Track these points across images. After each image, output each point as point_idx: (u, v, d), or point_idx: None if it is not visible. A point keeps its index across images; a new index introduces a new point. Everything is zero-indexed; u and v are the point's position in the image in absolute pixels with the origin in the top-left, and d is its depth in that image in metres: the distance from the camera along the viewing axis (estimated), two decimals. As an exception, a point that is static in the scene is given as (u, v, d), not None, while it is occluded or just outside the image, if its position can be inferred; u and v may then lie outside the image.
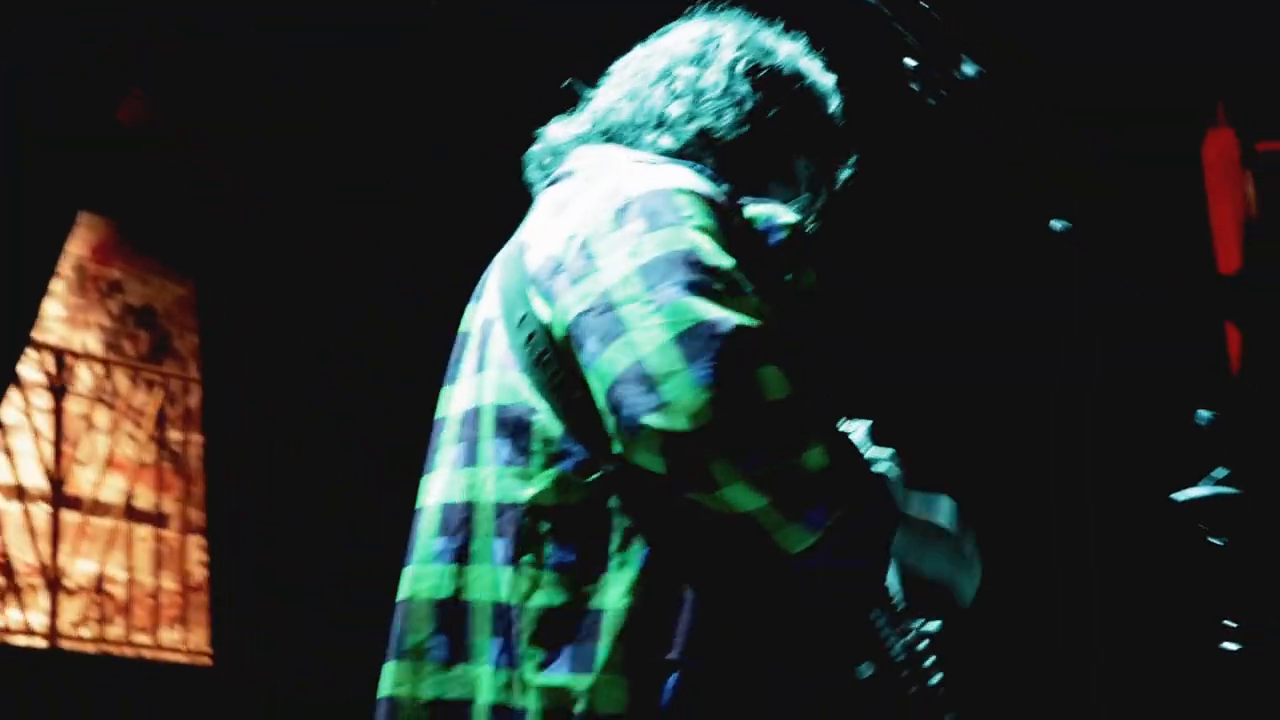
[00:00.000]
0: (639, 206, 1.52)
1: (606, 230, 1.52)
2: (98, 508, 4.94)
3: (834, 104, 1.97)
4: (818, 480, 1.38)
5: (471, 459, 1.65)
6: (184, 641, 5.07)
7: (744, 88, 1.82)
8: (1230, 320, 4.67)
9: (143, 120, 4.84)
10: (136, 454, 5.09)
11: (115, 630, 4.89)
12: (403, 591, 1.72)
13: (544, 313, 1.57)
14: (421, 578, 1.69)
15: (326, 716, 4.53)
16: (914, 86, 1.54)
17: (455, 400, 1.75)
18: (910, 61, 1.52)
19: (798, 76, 1.91)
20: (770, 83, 1.84)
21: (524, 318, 1.61)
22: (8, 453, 4.63)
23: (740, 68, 1.84)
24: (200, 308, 4.90)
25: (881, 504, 1.56)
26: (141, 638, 4.99)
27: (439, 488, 1.71)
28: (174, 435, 5.19)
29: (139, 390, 5.14)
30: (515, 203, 1.98)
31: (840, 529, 1.40)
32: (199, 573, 5.06)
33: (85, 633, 4.71)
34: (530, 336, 1.59)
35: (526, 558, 1.54)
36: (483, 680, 1.54)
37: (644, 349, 1.38)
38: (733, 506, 1.39)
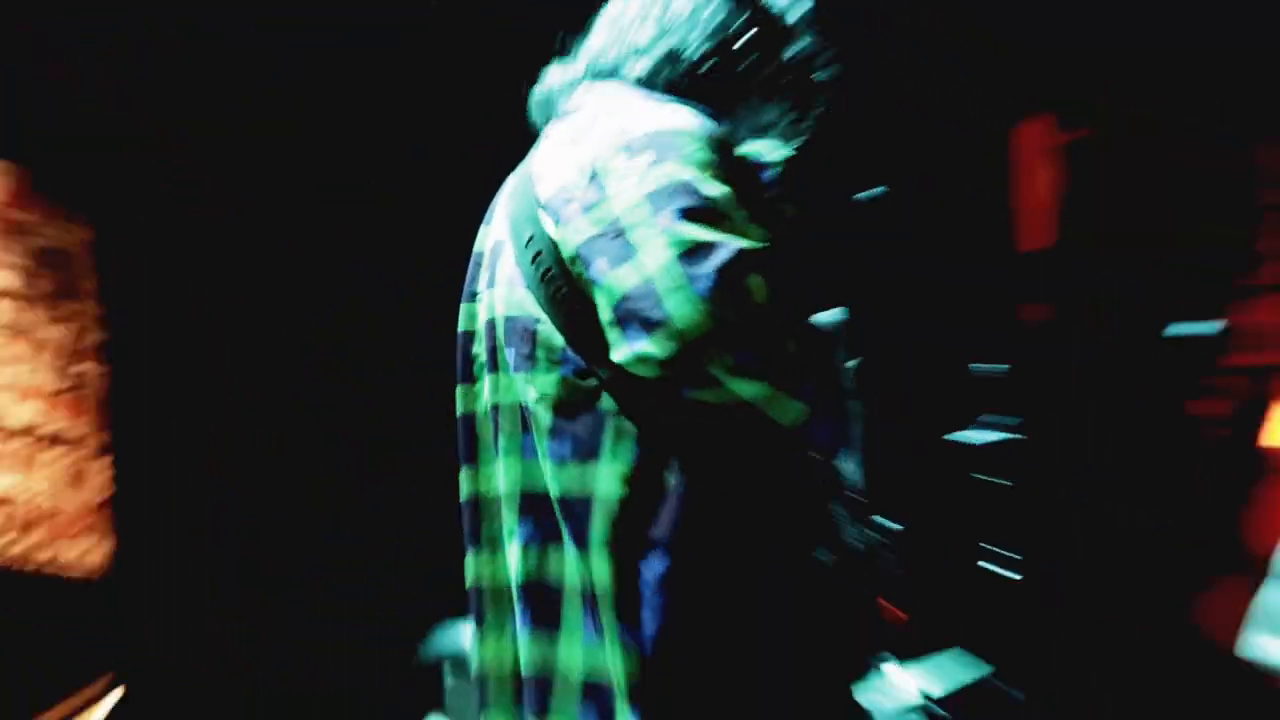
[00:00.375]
0: (646, 142, 1.63)
1: (617, 163, 1.63)
2: (12, 434, 5.38)
3: (806, 39, 2.02)
4: (798, 364, 1.57)
5: (494, 365, 1.84)
6: (84, 557, 5.48)
7: (713, 13, 1.90)
8: (1022, 291, 5.16)
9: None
10: (46, 382, 5.50)
11: (20, 545, 5.33)
12: (474, 489, 1.93)
13: (554, 234, 1.70)
14: (488, 476, 1.90)
15: (222, 631, 4.95)
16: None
17: (479, 314, 1.93)
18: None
19: (767, 7, 1.97)
20: (738, 8, 1.92)
21: (531, 238, 1.74)
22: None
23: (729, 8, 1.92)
24: (102, 251, 5.23)
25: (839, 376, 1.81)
26: (45, 553, 5.42)
27: (487, 393, 1.89)
28: (81, 366, 5.61)
29: (51, 326, 5.58)
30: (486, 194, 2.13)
31: (823, 402, 1.63)
32: (103, 492, 5.45)
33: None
34: (536, 255, 1.73)
35: (534, 450, 1.75)
36: (517, 562, 1.78)
37: (650, 269, 1.53)
38: (737, 396, 1.54)
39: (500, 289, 1.81)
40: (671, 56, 1.87)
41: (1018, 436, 4.21)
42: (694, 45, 1.87)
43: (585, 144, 1.72)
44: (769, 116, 1.94)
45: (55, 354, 5.67)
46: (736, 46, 1.89)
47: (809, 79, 1.98)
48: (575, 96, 1.92)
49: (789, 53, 1.96)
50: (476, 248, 1.96)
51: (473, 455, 1.89)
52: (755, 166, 1.76)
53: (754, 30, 1.91)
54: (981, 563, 4.38)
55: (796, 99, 1.96)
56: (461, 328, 1.95)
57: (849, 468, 1.82)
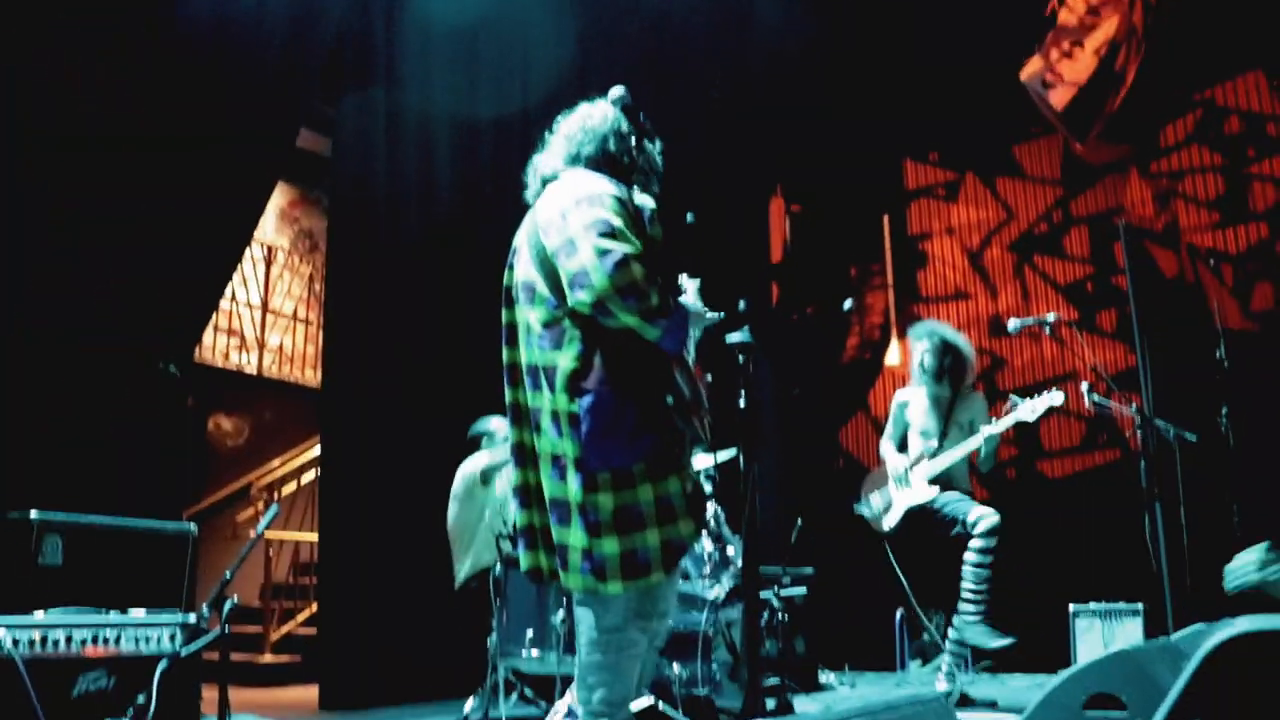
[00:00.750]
0: (584, 197, 3.15)
1: (570, 207, 3.13)
2: (283, 315, 11.25)
3: (657, 145, 3.55)
4: (658, 310, 3.04)
5: (515, 302, 3.38)
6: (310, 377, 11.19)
7: (614, 134, 3.42)
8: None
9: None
10: (299, 295, 11.35)
11: (285, 372, 11.12)
12: (512, 359, 3.41)
13: (544, 242, 3.20)
14: (514, 352, 3.41)
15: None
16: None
17: (516, 278, 3.39)
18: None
19: (638, 129, 3.50)
20: (627, 131, 3.45)
21: (537, 244, 3.25)
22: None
23: (613, 125, 3.44)
24: (332, 234, 10.84)
25: (685, 310, 3.19)
26: (295, 377, 11.19)
27: (515, 314, 3.39)
28: (316, 289, 11.44)
29: (302, 266, 11.44)
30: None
31: (670, 329, 3.10)
32: (321, 348, 11.06)
33: None
34: (540, 253, 3.23)
35: (531, 343, 3.26)
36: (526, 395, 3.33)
37: (583, 262, 3.02)
38: (623, 324, 3.04)
39: (520, 267, 3.37)
40: (598, 152, 3.40)
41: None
42: (607, 146, 3.42)
43: (558, 198, 3.22)
44: (641, 181, 3.46)
45: (303, 282, 11.54)
46: (625, 147, 3.43)
47: (653, 162, 3.52)
48: (551, 173, 3.44)
49: (646, 149, 3.50)
50: (512, 247, 3.46)
51: (512, 341, 3.41)
52: (639, 209, 3.30)
53: (633, 138, 3.45)
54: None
55: (650, 173, 3.50)
56: (505, 284, 3.46)
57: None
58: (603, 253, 2.98)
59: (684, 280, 3.54)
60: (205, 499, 9.60)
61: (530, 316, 3.26)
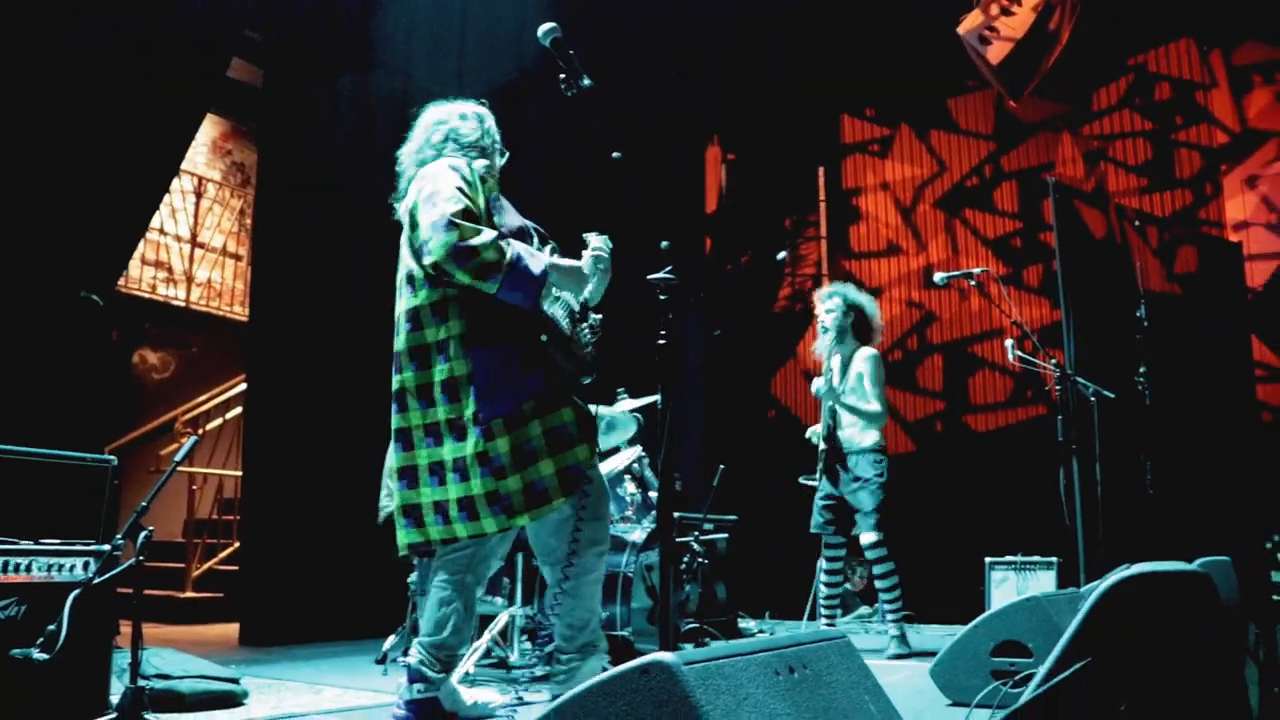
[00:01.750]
0: (429, 177, 3.56)
1: (426, 187, 3.51)
2: (214, 250, 11.09)
3: (495, 132, 4.00)
4: (490, 266, 3.34)
5: (412, 290, 3.70)
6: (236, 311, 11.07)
7: (467, 125, 3.88)
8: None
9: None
10: (229, 228, 11.19)
11: (213, 304, 10.99)
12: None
13: (414, 216, 3.54)
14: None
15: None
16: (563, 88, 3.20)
17: (400, 271, 3.79)
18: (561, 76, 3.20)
19: (484, 119, 3.98)
20: (476, 122, 3.92)
21: (407, 236, 3.64)
22: None
23: (465, 116, 3.91)
24: (262, 167, 10.72)
25: (528, 267, 3.44)
26: (224, 310, 11.06)
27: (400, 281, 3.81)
28: (245, 223, 11.28)
29: (233, 200, 11.26)
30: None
31: (506, 283, 3.37)
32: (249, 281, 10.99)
33: None
34: (411, 243, 3.60)
35: (426, 329, 3.63)
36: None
37: (423, 233, 3.42)
38: (460, 282, 3.40)
39: (402, 262, 3.77)
40: (453, 141, 3.83)
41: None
42: (463, 138, 3.84)
43: (421, 182, 3.61)
44: (484, 159, 3.85)
45: (234, 215, 11.37)
46: (474, 133, 3.88)
47: (494, 144, 3.96)
48: (423, 163, 3.80)
49: (487, 134, 3.95)
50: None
51: (399, 332, 3.81)
52: (483, 178, 3.71)
53: (477, 124, 3.93)
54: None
55: (487, 151, 3.89)
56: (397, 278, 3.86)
57: None
58: (433, 220, 3.37)
59: (591, 236, 3.79)
60: (130, 433, 9.47)
61: (415, 303, 3.62)
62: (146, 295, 10.29)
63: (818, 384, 6.28)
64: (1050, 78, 7.67)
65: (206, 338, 10.73)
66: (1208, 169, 8.35)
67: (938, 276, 6.01)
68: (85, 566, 3.38)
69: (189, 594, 8.28)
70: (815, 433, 6.40)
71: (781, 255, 10.13)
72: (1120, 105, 8.78)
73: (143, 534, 3.15)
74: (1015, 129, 9.17)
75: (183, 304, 10.68)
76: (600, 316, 3.87)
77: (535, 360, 3.49)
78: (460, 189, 3.51)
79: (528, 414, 3.45)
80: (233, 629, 6.72)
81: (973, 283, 5.95)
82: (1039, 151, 9.12)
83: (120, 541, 3.35)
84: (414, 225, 3.53)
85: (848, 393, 6.23)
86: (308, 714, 3.98)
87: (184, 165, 10.71)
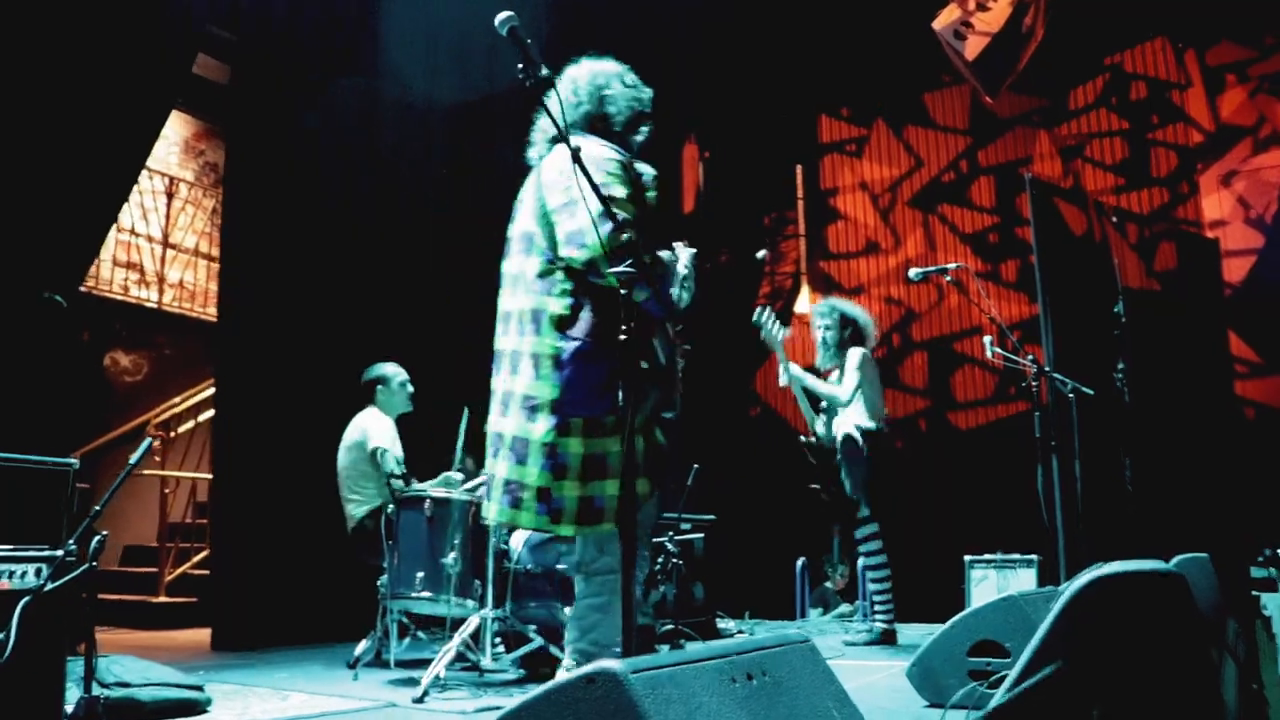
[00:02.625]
0: (592, 160, 3.13)
1: (571, 171, 3.01)
2: (185, 250, 10.96)
3: (646, 98, 3.70)
4: (645, 273, 2.88)
5: (513, 251, 3.52)
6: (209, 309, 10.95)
7: (611, 93, 3.60)
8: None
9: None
10: (201, 228, 11.06)
11: (179, 299, 10.87)
12: (505, 306, 3.57)
13: (547, 200, 3.35)
14: (506, 297, 3.55)
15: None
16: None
17: (515, 227, 3.55)
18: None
19: (632, 86, 3.68)
20: (618, 91, 3.62)
21: (540, 200, 3.40)
22: None
23: (605, 83, 3.61)
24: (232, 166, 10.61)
25: (668, 281, 3.42)
26: (188, 305, 10.94)
27: (512, 264, 3.53)
28: (216, 221, 11.18)
29: (205, 200, 11.14)
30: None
31: (655, 294, 3.13)
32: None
33: None
34: (542, 209, 3.38)
35: (527, 289, 3.39)
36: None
37: (581, 223, 3.19)
38: (609, 282, 3.14)
39: (520, 219, 3.52)
40: (595, 118, 3.56)
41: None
42: (608, 112, 3.56)
43: (559, 160, 3.35)
44: (632, 132, 3.60)
45: (207, 216, 11.25)
46: (619, 111, 3.59)
47: (637, 108, 3.64)
48: (553, 135, 3.46)
49: (632, 99, 3.64)
50: (517, 200, 3.62)
51: (506, 290, 3.54)
52: (639, 175, 3.44)
53: (626, 103, 3.61)
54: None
55: (639, 119, 3.63)
56: (510, 233, 3.61)
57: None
58: (602, 216, 3.05)
59: (679, 247, 3.66)
60: (101, 436, 9.34)
61: (526, 265, 3.42)
62: (118, 297, 10.16)
63: (782, 378, 6.27)
64: (1026, 75, 7.65)
65: (179, 339, 10.58)
66: (1183, 167, 8.34)
67: (912, 272, 5.98)
68: (38, 573, 3.28)
69: (163, 599, 8.18)
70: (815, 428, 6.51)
71: (761, 254, 10.06)
72: (1096, 104, 8.76)
73: (95, 538, 3.06)
74: (991, 124, 9.14)
75: (155, 305, 10.55)
76: (690, 348, 3.71)
77: (626, 377, 3.11)
78: (624, 188, 3.32)
79: (609, 427, 3.25)
80: (206, 634, 6.61)
81: (948, 279, 5.91)
82: (1015, 146, 9.09)
83: (73, 547, 3.25)
84: (570, 209, 3.27)
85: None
86: (272, 721, 3.89)
87: (156, 165, 10.65)
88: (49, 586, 3.15)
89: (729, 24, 9.57)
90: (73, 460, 4.68)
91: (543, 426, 3.26)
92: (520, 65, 2.82)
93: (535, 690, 1.55)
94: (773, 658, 1.80)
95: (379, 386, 6.07)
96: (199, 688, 4.04)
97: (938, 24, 7.28)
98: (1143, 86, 8.58)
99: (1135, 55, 8.65)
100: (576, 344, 3.27)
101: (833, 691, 1.93)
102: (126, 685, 3.77)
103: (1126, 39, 8.64)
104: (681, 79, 10.09)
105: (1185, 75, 8.40)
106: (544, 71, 2.80)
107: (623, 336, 2.63)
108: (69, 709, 3.24)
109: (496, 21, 2.75)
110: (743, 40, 9.75)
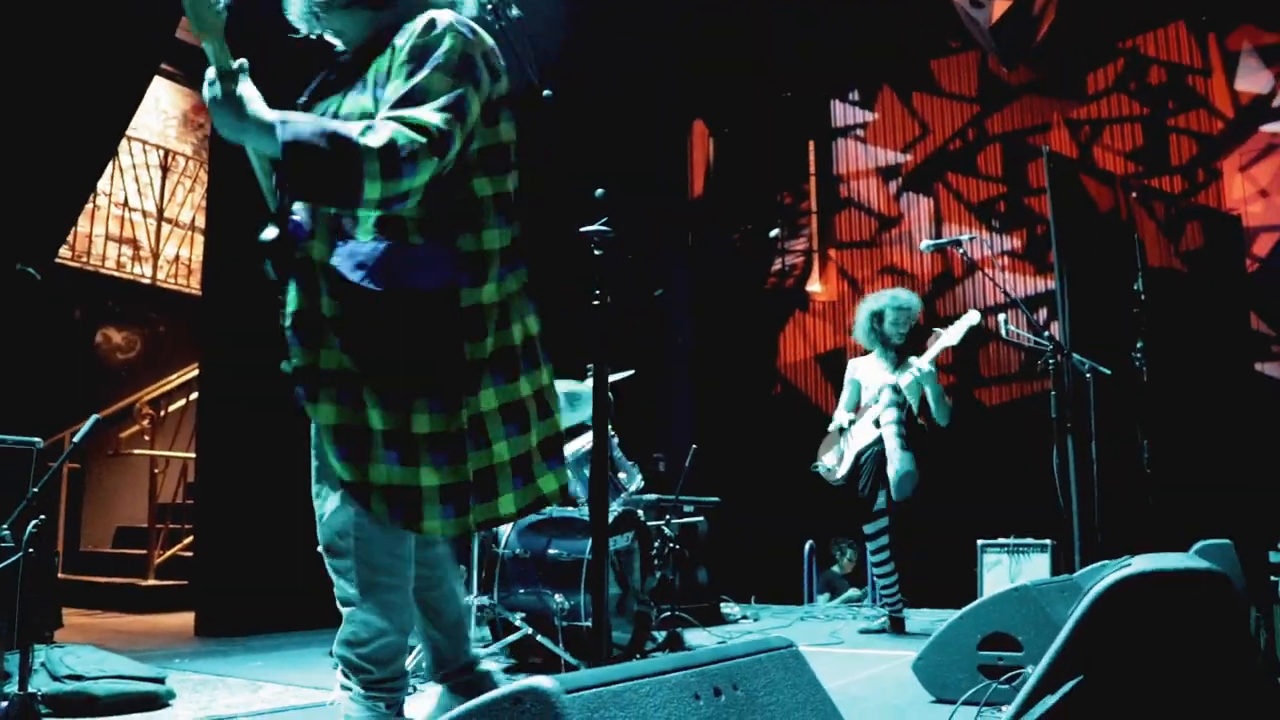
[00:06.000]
0: None
1: None
2: (181, 224, 10.74)
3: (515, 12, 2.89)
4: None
5: None
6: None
7: None
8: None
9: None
10: (193, 202, 10.85)
11: (173, 274, 10.65)
12: None
13: None
14: None
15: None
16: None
17: None
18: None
19: None
20: None
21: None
22: None
23: None
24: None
25: None
26: (186, 281, 10.73)
27: None
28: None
29: (200, 171, 10.92)
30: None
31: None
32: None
33: None
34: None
35: None
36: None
37: None
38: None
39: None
40: None
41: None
42: None
43: None
44: None
45: (204, 189, 11.01)
46: None
47: None
48: None
49: None
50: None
51: None
52: None
53: None
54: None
55: None
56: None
57: None
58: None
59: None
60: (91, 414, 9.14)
61: None
62: (111, 272, 9.95)
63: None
64: (1041, 54, 7.43)
65: (173, 316, 10.38)
66: (1204, 154, 8.07)
67: (923, 244, 5.80)
68: (-26, 559, 3.05)
69: (151, 581, 7.98)
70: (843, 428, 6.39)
71: (774, 232, 9.82)
72: (1112, 90, 8.50)
73: (31, 523, 2.83)
74: (1000, 92, 8.87)
75: (149, 282, 10.33)
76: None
77: None
78: None
79: None
80: (191, 619, 6.41)
81: (961, 251, 5.68)
82: (1024, 115, 8.83)
83: (5, 532, 3.02)
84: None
85: (908, 388, 6.13)
86: (235, 716, 3.67)
87: (153, 139, 10.44)
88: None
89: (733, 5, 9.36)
90: (35, 439, 4.48)
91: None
92: (489, 4, 2.58)
93: (457, 709, 1.31)
94: (747, 668, 1.55)
95: None
96: (160, 680, 3.81)
97: (954, -7, 6.99)
98: (1161, 71, 8.32)
99: (1150, 40, 8.39)
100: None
101: (817, 705, 1.67)
102: (79, 678, 3.55)
103: (1144, 22, 8.37)
104: (689, 58, 9.90)
105: (1204, 60, 8.12)
106: (514, 12, 2.55)
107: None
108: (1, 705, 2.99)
109: None
110: (747, 17, 9.51)
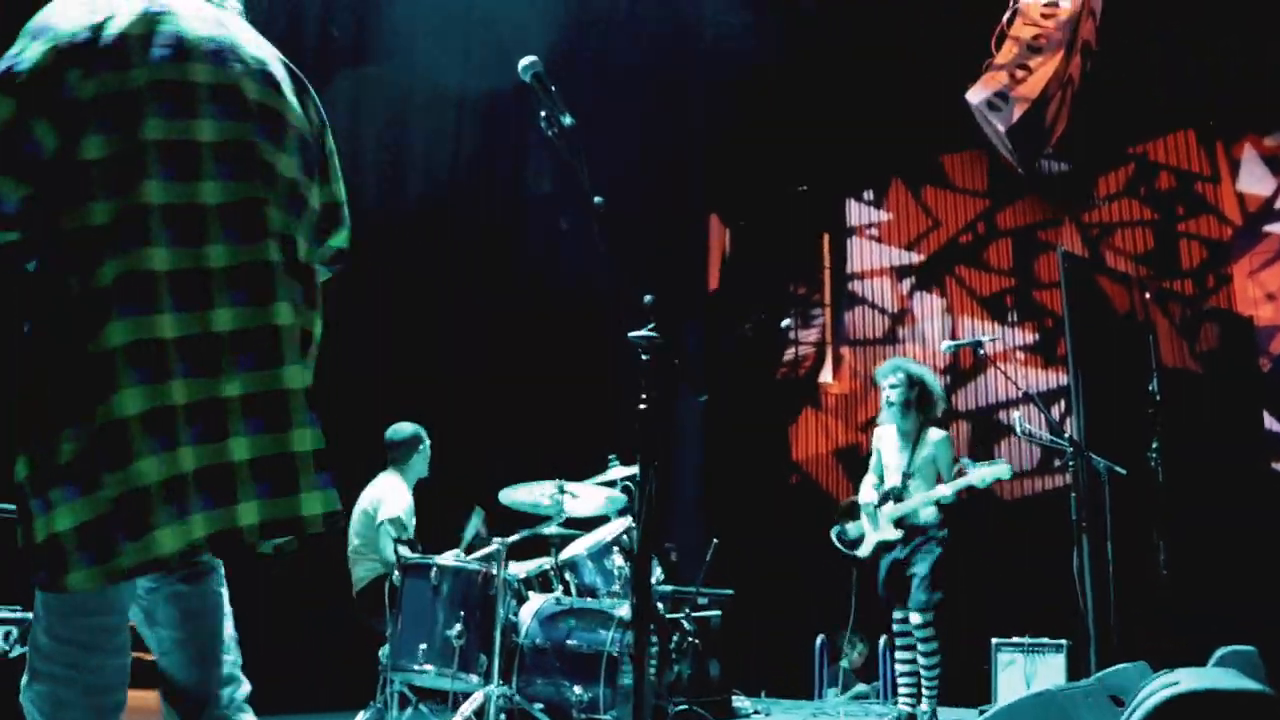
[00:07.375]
0: None
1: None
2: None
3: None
4: None
5: None
6: None
7: None
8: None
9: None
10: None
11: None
12: None
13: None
14: None
15: None
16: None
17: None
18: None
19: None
20: None
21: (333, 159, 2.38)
22: None
23: None
24: None
25: None
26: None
27: None
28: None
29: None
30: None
31: None
32: None
33: None
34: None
35: None
36: None
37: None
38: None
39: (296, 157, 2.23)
40: None
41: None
42: None
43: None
44: None
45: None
46: None
47: None
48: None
49: None
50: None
51: None
52: None
53: None
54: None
55: None
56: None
57: None
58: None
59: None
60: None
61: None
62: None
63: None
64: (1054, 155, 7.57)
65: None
66: (1213, 259, 8.21)
67: (944, 345, 5.88)
68: (6, 637, 3.04)
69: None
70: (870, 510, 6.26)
71: (786, 322, 9.93)
72: (1120, 195, 8.66)
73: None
74: (1008, 185, 8.99)
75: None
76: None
77: None
78: None
79: None
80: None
81: (980, 352, 5.75)
82: (1032, 209, 9.01)
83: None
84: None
85: (918, 469, 6.06)
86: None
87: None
88: (14, 653, 2.88)
89: (750, 99, 9.51)
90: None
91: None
92: (544, 113, 2.65)
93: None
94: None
95: (418, 448, 5.85)
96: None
97: (972, 95, 7.12)
98: (1169, 177, 8.47)
99: (1159, 146, 8.55)
100: None
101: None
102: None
103: (1151, 130, 8.54)
104: (705, 154, 10.08)
105: (1214, 167, 8.27)
106: (567, 120, 2.61)
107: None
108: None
109: (520, 67, 2.58)
110: (764, 114, 9.66)
